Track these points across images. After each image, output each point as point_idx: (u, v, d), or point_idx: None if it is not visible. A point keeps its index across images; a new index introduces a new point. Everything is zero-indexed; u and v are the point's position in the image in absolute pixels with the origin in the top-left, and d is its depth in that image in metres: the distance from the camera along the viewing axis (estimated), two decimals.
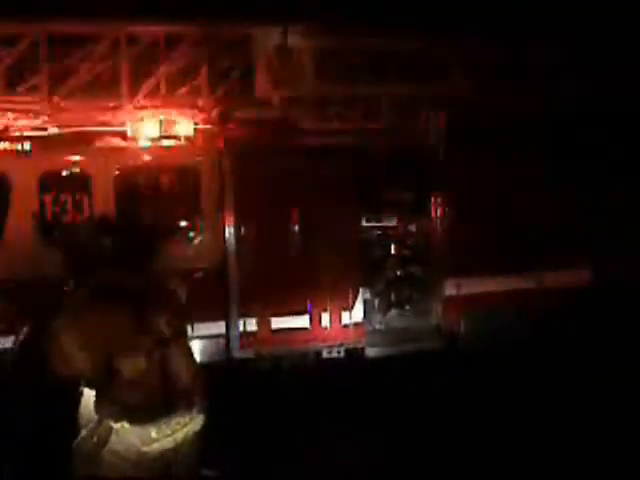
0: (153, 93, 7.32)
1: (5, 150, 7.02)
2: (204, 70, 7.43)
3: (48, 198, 6.96)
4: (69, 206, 7.02)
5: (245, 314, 7.31)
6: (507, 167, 7.95)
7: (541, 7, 8.01)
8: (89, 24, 7.12)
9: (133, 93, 7.24)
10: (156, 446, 3.54)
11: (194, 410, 3.67)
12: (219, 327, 7.30)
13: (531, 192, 8.00)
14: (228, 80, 7.51)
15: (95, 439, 3.54)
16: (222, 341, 7.30)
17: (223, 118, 7.50)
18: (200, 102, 7.47)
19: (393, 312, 8.15)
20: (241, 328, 7.32)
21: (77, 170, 7.14)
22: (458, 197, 7.88)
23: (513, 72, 8.19)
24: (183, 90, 7.41)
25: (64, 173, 7.12)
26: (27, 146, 6.97)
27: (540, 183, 8.04)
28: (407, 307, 8.18)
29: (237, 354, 7.31)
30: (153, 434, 3.54)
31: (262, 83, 7.59)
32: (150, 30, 7.27)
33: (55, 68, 7.05)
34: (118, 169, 7.15)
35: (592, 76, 8.25)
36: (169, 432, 3.57)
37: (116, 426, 3.51)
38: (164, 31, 7.31)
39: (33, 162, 6.96)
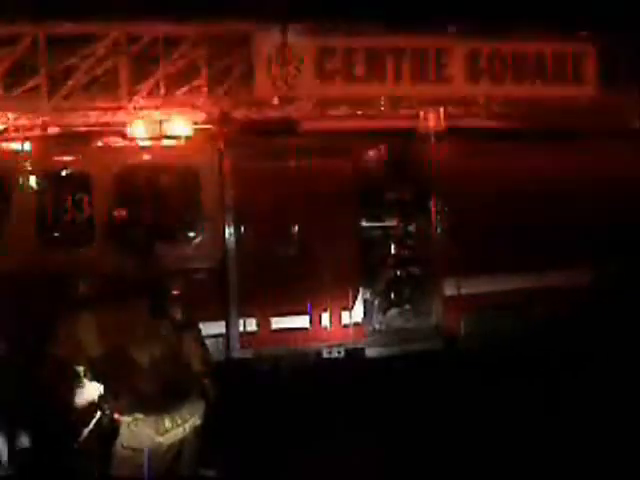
0: (153, 93, 7.31)
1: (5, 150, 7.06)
2: (204, 70, 7.42)
3: (48, 198, 6.97)
4: (69, 206, 7.03)
5: (245, 314, 7.31)
6: (507, 167, 7.95)
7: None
8: (89, 24, 7.12)
9: (133, 93, 7.23)
10: (169, 436, 3.60)
11: (202, 399, 3.74)
12: (219, 327, 7.30)
13: (531, 191, 7.99)
14: (228, 80, 7.50)
15: (97, 435, 3.57)
16: (222, 341, 7.30)
17: (223, 118, 7.50)
18: (200, 102, 7.46)
19: (393, 312, 8.15)
20: (241, 328, 7.32)
21: (77, 170, 7.15)
22: (458, 197, 7.87)
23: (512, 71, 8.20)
24: (183, 90, 7.40)
25: (64, 173, 7.13)
26: (27, 146, 6.99)
27: (540, 182, 8.03)
28: (407, 307, 8.17)
29: (237, 354, 7.31)
30: (167, 424, 3.60)
31: (262, 83, 7.58)
32: (150, 30, 7.26)
33: (55, 68, 7.05)
34: (118, 169, 7.15)
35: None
36: (180, 422, 3.63)
37: (128, 419, 3.54)
38: (164, 31, 7.30)
39: (33, 162, 6.98)
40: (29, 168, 6.94)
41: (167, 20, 7.29)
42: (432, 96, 8.01)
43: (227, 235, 7.36)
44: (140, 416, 3.55)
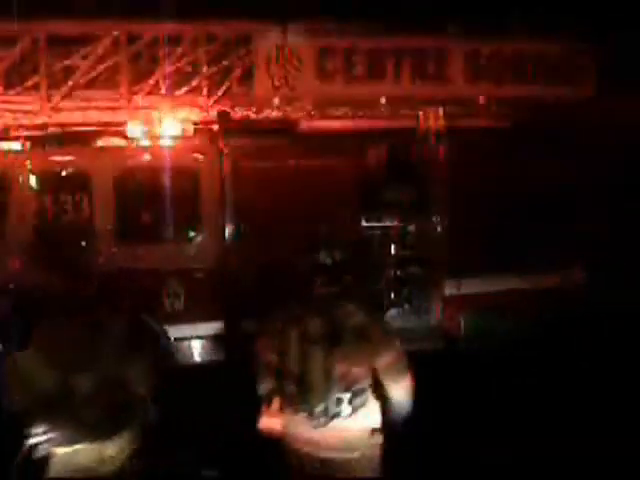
0: (153, 93, 7.32)
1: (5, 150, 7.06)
2: (204, 70, 7.43)
3: (48, 198, 6.98)
4: (69, 206, 7.03)
5: (245, 314, 7.30)
6: (506, 166, 7.95)
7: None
8: (89, 24, 7.12)
9: (133, 93, 7.24)
10: (113, 464, 3.36)
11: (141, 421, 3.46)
12: (219, 327, 7.30)
13: (531, 192, 7.99)
14: (228, 80, 7.50)
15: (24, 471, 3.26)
16: (222, 341, 7.29)
17: (223, 118, 7.50)
18: (200, 102, 7.47)
19: (393, 312, 8.15)
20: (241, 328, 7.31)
21: (77, 170, 7.15)
22: (458, 197, 7.87)
23: (512, 72, 8.20)
24: (183, 90, 7.40)
25: (64, 173, 7.14)
26: (27, 146, 7.00)
27: (540, 183, 8.03)
28: (407, 307, 8.18)
29: (236, 354, 7.30)
30: (109, 451, 3.34)
31: (262, 83, 7.59)
32: (150, 30, 7.26)
33: (55, 68, 7.05)
34: (118, 169, 7.16)
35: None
36: (123, 448, 3.40)
37: (67, 450, 3.30)
38: (164, 31, 7.30)
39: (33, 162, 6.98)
40: (28, 168, 6.94)
41: (167, 20, 7.29)
42: (432, 96, 8.01)
43: (227, 235, 7.36)
44: (80, 446, 3.28)
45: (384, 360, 3.72)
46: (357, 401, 3.68)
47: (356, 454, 3.74)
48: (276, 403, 3.78)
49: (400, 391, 3.78)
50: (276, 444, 3.94)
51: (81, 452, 3.29)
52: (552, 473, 5.36)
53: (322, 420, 3.63)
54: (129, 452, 3.39)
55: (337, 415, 3.65)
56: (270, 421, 3.80)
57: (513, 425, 6.05)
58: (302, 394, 3.63)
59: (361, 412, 3.72)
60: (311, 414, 3.64)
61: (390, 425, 3.87)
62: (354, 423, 3.72)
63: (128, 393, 3.38)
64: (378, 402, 3.82)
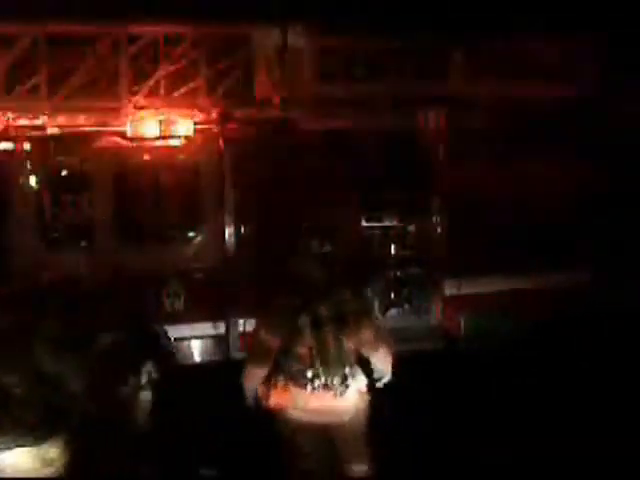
0: (153, 93, 7.32)
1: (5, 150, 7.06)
2: (204, 70, 7.43)
3: (48, 198, 6.98)
4: (69, 206, 7.04)
5: (245, 314, 7.31)
6: (506, 166, 7.94)
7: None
8: (89, 24, 7.13)
9: (133, 93, 7.24)
10: (56, 466, 3.31)
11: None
12: (219, 327, 7.30)
13: (532, 191, 7.99)
14: (228, 80, 7.50)
15: None
16: (222, 341, 7.29)
17: (223, 118, 7.50)
18: (200, 102, 7.47)
19: (393, 312, 8.15)
20: (241, 328, 7.31)
21: (77, 170, 7.15)
22: (458, 196, 7.87)
23: (512, 71, 8.19)
24: (183, 90, 7.40)
25: (64, 173, 7.14)
26: (27, 146, 7.00)
27: (540, 182, 8.03)
28: (406, 307, 8.18)
29: (237, 354, 7.31)
30: (51, 453, 3.29)
31: (262, 83, 7.59)
32: (150, 30, 7.26)
33: (55, 68, 7.05)
34: (118, 169, 7.16)
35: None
36: (63, 450, 3.33)
37: (8, 455, 3.26)
38: (164, 31, 7.31)
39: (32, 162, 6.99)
40: (29, 168, 6.94)
41: (167, 20, 7.29)
42: (432, 95, 8.01)
43: (227, 235, 7.36)
44: (22, 449, 3.24)
45: (367, 333, 4.49)
46: (353, 370, 4.44)
47: (349, 416, 4.46)
48: (281, 382, 4.38)
49: (380, 359, 4.59)
50: (274, 422, 4.57)
51: (21, 455, 3.24)
52: (552, 474, 5.35)
53: (340, 391, 4.35)
54: (70, 453, 3.34)
55: (348, 385, 4.39)
56: (280, 398, 4.37)
57: (513, 425, 6.05)
58: (320, 370, 4.29)
59: (355, 379, 4.47)
60: (329, 387, 4.32)
61: (374, 387, 4.69)
62: (351, 389, 4.45)
63: (64, 393, 3.33)
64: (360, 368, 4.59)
